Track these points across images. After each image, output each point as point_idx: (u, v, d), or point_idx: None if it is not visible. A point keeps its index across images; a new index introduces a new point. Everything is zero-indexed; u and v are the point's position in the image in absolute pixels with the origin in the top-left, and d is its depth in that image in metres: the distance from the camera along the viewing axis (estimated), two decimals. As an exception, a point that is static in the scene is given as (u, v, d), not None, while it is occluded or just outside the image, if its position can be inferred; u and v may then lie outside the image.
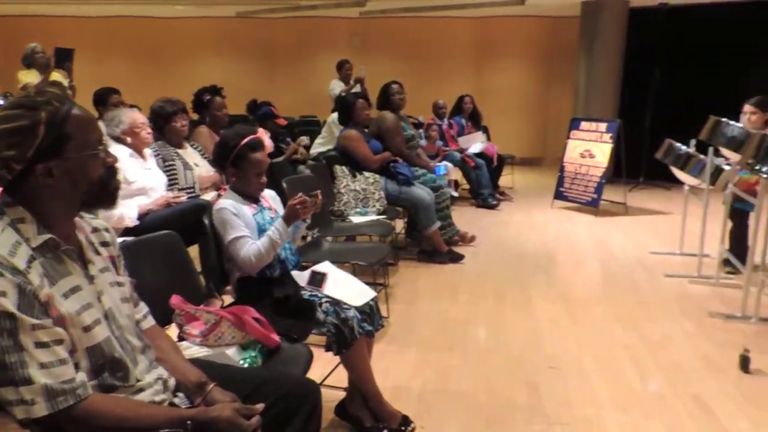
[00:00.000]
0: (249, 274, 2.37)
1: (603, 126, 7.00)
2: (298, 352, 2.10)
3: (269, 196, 2.62)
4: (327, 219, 4.11)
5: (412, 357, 3.15)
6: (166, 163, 3.68)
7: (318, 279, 2.47)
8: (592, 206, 6.81)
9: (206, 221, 2.44)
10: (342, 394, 2.50)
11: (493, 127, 8.63)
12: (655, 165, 5.92)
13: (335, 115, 5.63)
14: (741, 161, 3.49)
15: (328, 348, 2.25)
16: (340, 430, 2.45)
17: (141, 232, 2.65)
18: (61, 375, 1.23)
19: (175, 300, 2.05)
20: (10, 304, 1.19)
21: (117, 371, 1.38)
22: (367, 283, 2.59)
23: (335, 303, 2.33)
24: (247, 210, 2.42)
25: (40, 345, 1.22)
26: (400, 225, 5.25)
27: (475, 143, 7.47)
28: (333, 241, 4.05)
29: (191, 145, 4.03)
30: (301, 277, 2.52)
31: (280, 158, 5.32)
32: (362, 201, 4.47)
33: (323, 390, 1.76)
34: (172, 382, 1.51)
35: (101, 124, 3.59)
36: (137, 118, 3.49)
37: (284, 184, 3.45)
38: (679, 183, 5.32)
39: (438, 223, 4.81)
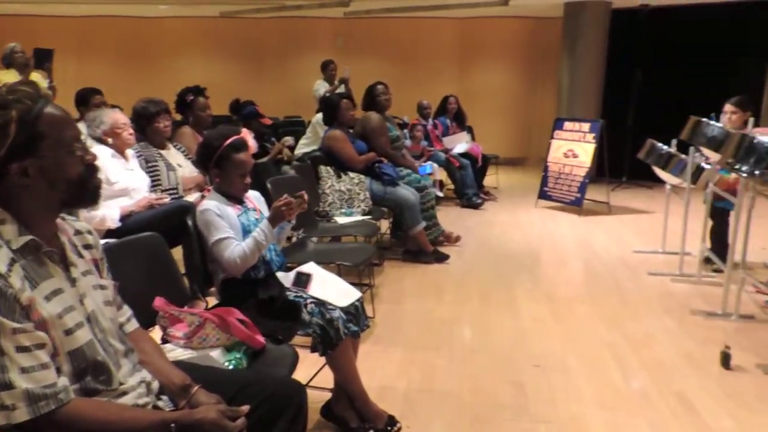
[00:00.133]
0: (233, 276, 2.36)
1: (586, 126, 7.05)
2: (284, 353, 2.09)
3: (254, 197, 2.61)
4: (312, 220, 4.10)
5: (398, 357, 3.16)
6: (149, 164, 3.65)
7: (303, 280, 2.46)
8: (576, 206, 6.87)
9: (190, 222, 2.42)
10: (328, 395, 2.49)
11: (477, 128, 8.67)
12: (638, 164, 5.98)
13: (320, 115, 5.62)
14: (721, 160, 3.54)
15: (313, 349, 2.24)
16: (326, 430, 2.45)
17: (123, 233, 2.62)
18: (42, 379, 1.22)
19: (159, 302, 2.04)
20: (-10, 308, 1.17)
21: (100, 375, 1.36)
22: (353, 284, 2.59)
23: (320, 304, 2.32)
24: (232, 211, 2.41)
25: (22, 349, 1.20)
26: (385, 225, 5.26)
27: (459, 143, 7.50)
28: (318, 241, 4.04)
29: (174, 146, 3.99)
30: (286, 278, 2.51)
31: (265, 159, 5.30)
32: (347, 201, 4.47)
33: (309, 391, 1.75)
34: (155, 385, 1.50)
35: (83, 125, 3.56)
36: (119, 118, 3.45)
37: (269, 185, 3.44)
38: (661, 182, 5.38)
39: (423, 223, 4.82)
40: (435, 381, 2.91)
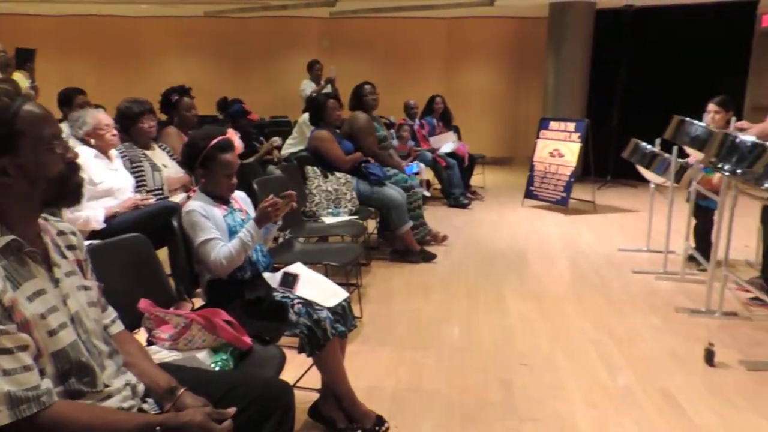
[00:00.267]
0: (220, 277, 2.34)
1: (571, 126, 7.10)
2: (271, 354, 2.08)
3: (240, 197, 2.60)
4: (299, 220, 4.08)
5: (386, 357, 3.16)
6: (134, 165, 3.62)
7: (290, 280, 2.45)
8: (562, 205, 6.91)
9: (175, 223, 2.40)
10: (315, 396, 2.49)
11: (464, 127, 8.69)
12: (622, 164, 6.04)
13: (306, 115, 5.61)
14: (704, 160, 3.58)
15: (301, 349, 2.23)
16: (314, 431, 2.44)
17: (108, 235, 2.60)
18: (24, 382, 1.20)
19: (144, 304, 2.02)
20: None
21: (84, 376, 1.35)
22: (340, 284, 2.59)
23: (307, 304, 2.31)
24: (218, 212, 2.39)
25: (4, 351, 1.19)
26: (372, 225, 5.25)
27: (446, 143, 7.52)
28: (305, 242, 4.03)
29: (159, 146, 3.96)
30: (273, 278, 2.50)
31: (251, 159, 5.27)
32: (334, 201, 4.46)
33: (296, 392, 1.75)
34: (141, 387, 1.49)
35: (66, 125, 3.52)
36: (102, 119, 3.41)
37: (255, 186, 3.43)
38: (645, 181, 5.43)
39: (410, 223, 4.82)
40: (423, 380, 2.91)
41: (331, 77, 7.53)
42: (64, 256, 1.44)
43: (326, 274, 2.67)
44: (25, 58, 5.33)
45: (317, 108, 4.77)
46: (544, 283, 4.47)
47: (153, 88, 4.97)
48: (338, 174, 4.57)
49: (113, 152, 3.51)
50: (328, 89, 7.33)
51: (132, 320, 1.93)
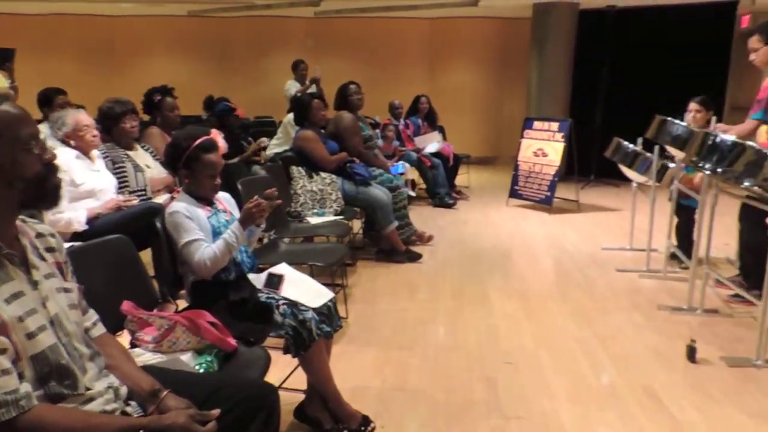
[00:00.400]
0: (204, 278, 2.33)
1: (555, 125, 7.15)
2: (256, 355, 2.08)
3: (224, 199, 2.58)
4: (284, 220, 4.07)
5: (371, 357, 3.16)
6: (116, 165, 3.58)
7: (275, 281, 2.44)
8: (546, 204, 6.95)
9: (158, 224, 2.38)
10: (301, 397, 2.48)
11: (448, 127, 8.71)
12: (605, 163, 6.09)
13: (291, 115, 5.59)
14: (685, 158, 3.62)
15: (286, 350, 2.23)
16: (300, 432, 2.44)
17: (90, 236, 2.57)
18: (3, 386, 1.19)
19: (127, 306, 2.00)
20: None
21: (64, 379, 1.33)
22: (325, 284, 2.58)
23: (293, 305, 2.31)
24: (201, 212, 2.37)
25: (-19, 355, 1.17)
26: (357, 225, 5.25)
27: (431, 143, 7.54)
28: (290, 242, 4.02)
29: (142, 147, 3.93)
30: (258, 279, 2.49)
31: (236, 159, 5.25)
32: (319, 202, 4.45)
33: (282, 393, 1.74)
34: (123, 390, 1.47)
35: (45, 126, 3.47)
36: (82, 119, 3.36)
37: (239, 186, 3.41)
38: (628, 180, 5.48)
39: (395, 223, 4.83)
40: (409, 380, 2.92)
41: (316, 77, 7.51)
42: (43, 259, 1.42)
43: (311, 275, 2.66)
44: (3, 58, 5.25)
45: (302, 108, 4.76)
46: (528, 281, 4.50)
47: (135, 88, 4.92)
48: (323, 174, 4.56)
49: (95, 153, 3.47)
50: (313, 89, 7.31)
51: (115, 323, 1.91)
